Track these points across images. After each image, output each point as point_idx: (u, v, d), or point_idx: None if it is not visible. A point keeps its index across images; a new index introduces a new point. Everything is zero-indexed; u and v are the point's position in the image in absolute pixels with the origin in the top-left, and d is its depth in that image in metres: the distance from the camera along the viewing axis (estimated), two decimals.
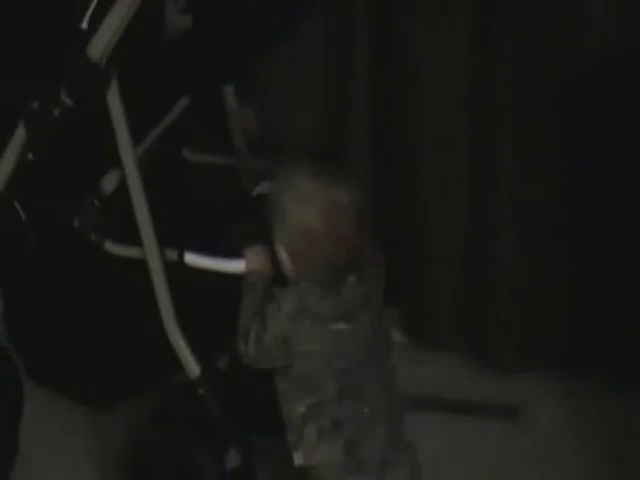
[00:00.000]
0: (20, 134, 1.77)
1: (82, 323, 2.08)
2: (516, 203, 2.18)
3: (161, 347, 1.82)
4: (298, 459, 1.64)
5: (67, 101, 1.69)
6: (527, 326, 2.27)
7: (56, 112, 1.70)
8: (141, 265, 1.80)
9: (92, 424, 2.19)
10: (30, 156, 1.77)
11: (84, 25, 1.66)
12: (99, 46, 1.65)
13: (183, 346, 1.80)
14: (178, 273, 1.82)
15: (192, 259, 1.78)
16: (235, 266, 1.73)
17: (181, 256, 1.79)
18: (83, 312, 2.08)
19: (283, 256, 1.59)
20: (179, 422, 1.86)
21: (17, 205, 1.86)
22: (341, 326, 1.57)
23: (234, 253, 1.75)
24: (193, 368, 1.79)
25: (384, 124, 2.21)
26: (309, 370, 1.59)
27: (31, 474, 2.09)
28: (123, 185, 1.80)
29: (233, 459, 1.82)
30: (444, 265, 2.27)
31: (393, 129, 2.21)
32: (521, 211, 2.18)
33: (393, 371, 1.69)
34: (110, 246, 1.82)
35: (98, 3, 1.64)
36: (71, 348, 2.12)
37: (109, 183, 1.84)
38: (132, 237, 1.80)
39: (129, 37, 1.67)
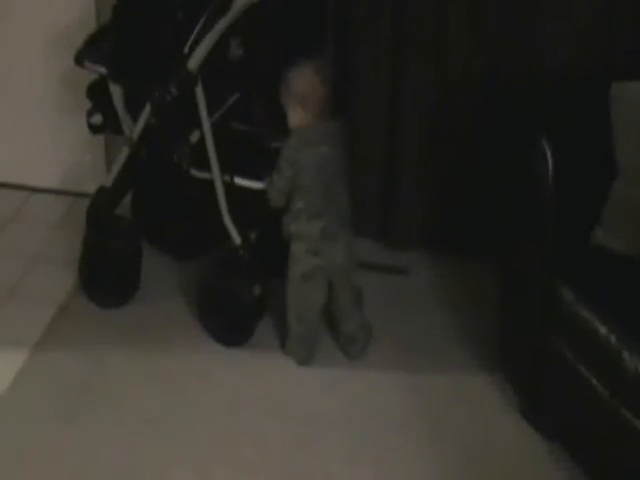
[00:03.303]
0: (147, 109, 2.85)
1: (180, 211, 3.11)
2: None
3: (219, 227, 2.87)
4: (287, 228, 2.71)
5: (174, 91, 2.78)
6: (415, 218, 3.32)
7: (168, 97, 2.76)
8: (210, 183, 2.87)
9: (179, 269, 3.25)
10: (153, 121, 2.86)
11: (186, 50, 2.75)
12: (194, 63, 2.74)
13: (232, 226, 2.89)
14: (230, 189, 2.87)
15: (238, 181, 2.89)
16: (260, 185, 2.86)
17: (232, 179, 2.89)
18: (177, 205, 3.11)
19: (296, 108, 2.62)
20: (228, 268, 2.91)
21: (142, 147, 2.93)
22: (323, 148, 2.66)
23: (260, 177, 2.85)
24: (236, 238, 2.90)
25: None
26: (306, 181, 2.65)
27: (143, 301, 3.10)
28: (202, 138, 2.83)
29: (257, 290, 2.89)
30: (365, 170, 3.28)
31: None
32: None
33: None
34: (194, 171, 2.90)
35: (194, 39, 2.74)
36: (169, 223, 3.15)
37: (194, 137, 2.86)
38: (206, 167, 2.86)
39: (210, 58, 2.74)
